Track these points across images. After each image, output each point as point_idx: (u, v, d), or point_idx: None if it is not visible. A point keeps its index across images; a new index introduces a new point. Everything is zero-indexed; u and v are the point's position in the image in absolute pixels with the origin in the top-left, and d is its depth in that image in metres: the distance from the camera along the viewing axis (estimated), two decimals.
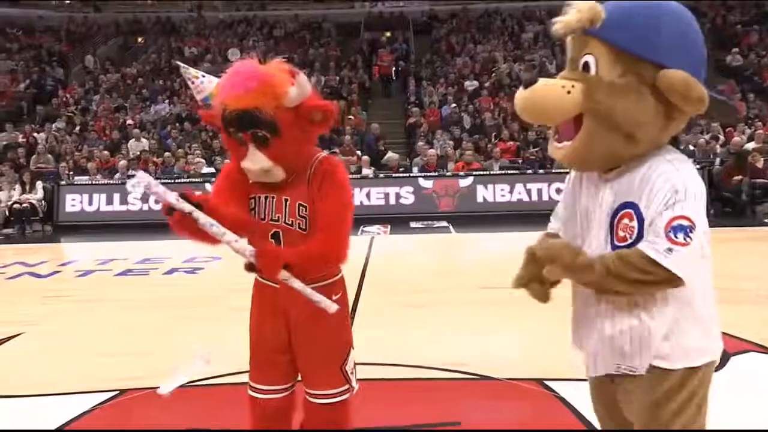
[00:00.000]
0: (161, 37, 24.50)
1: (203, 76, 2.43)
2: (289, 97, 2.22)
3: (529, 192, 13.22)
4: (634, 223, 1.83)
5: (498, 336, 5.11)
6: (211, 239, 2.25)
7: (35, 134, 16.93)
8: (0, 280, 8.11)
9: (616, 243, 1.88)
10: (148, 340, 5.26)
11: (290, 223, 2.43)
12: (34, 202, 13.10)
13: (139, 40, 24.63)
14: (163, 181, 12.90)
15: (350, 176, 11.96)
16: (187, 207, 2.14)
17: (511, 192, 13.24)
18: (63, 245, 12.24)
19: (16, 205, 12.98)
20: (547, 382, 4.04)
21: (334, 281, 2.57)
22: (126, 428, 3.72)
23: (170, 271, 8.21)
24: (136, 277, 8.08)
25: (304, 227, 2.42)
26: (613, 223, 1.90)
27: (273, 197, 2.45)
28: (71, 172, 14.31)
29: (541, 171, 13.74)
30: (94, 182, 13.67)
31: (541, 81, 1.90)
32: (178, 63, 2.57)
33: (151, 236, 10.26)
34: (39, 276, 8.32)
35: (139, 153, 15.10)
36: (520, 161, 14.88)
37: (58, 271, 8.74)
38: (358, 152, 14.88)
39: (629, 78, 1.84)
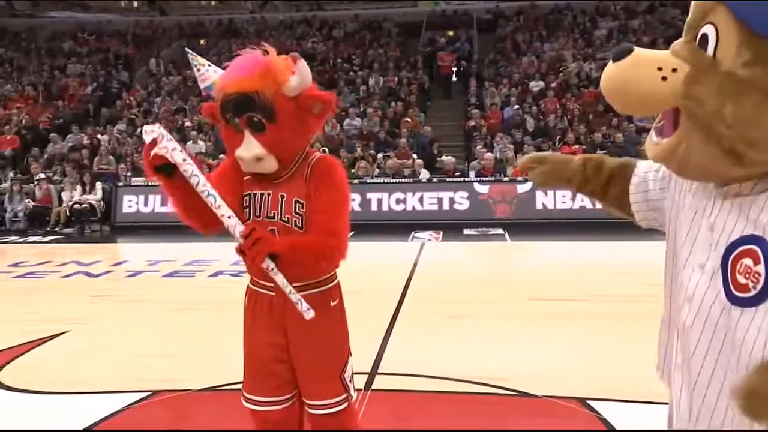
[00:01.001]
0: (223, 39, 24.82)
1: (209, 65, 2.42)
2: (290, 85, 2.19)
3: None
4: (761, 268, 1.31)
5: (542, 350, 4.87)
6: (197, 220, 2.30)
7: (99, 136, 17.32)
8: (55, 279, 8.29)
9: (735, 293, 1.36)
10: (186, 342, 5.34)
11: (286, 219, 2.35)
12: (93, 202, 13.41)
13: (201, 42, 25.00)
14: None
15: (404, 180, 11.82)
16: (190, 169, 2.14)
17: (573, 198, 12.37)
18: (118, 245, 12.45)
19: (76, 206, 13.30)
20: (590, 402, 3.84)
21: (330, 287, 2.48)
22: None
23: (216, 274, 8.21)
24: (182, 279, 8.12)
25: (300, 225, 2.34)
26: (727, 260, 1.38)
27: (269, 194, 2.38)
28: (129, 173, 14.54)
29: None
30: (149, 183, 13.64)
31: (635, 54, 1.39)
32: (187, 50, 2.55)
33: (203, 238, 10.22)
34: (91, 275, 8.46)
35: (195, 155, 15.26)
36: None
37: (110, 271, 8.87)
38: (414, 155, 14.65)
39: (758, 71, 1.26)
